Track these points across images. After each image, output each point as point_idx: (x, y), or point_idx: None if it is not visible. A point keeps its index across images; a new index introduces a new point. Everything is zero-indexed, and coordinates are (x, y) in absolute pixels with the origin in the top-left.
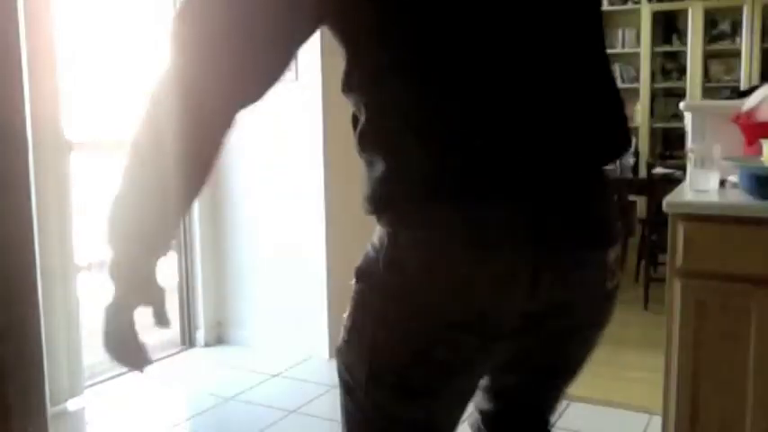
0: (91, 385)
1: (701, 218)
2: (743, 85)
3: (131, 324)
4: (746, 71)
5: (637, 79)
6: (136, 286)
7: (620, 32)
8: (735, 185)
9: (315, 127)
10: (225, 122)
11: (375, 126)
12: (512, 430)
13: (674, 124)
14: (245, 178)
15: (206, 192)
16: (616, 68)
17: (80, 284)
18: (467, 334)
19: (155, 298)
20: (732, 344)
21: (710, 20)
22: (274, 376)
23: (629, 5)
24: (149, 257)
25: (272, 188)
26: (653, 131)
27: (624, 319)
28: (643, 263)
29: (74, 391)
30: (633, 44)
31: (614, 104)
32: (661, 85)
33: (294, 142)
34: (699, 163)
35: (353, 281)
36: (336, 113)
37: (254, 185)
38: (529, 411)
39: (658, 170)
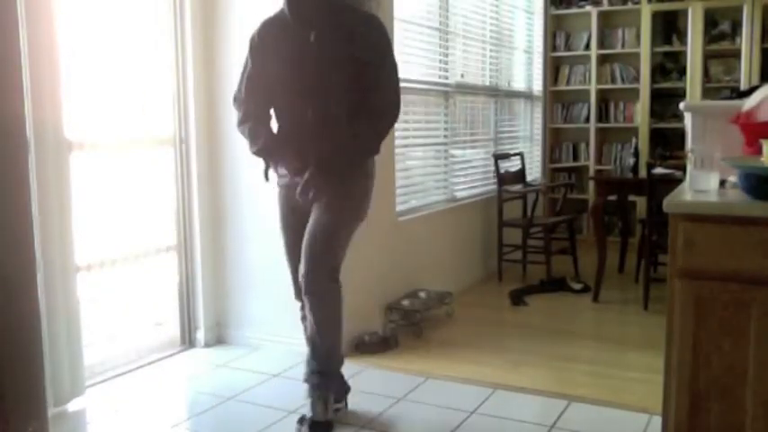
0: (92, 385)
1: (701, 218)
2: (743, 86)
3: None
4: (746, 71)
5: (637, 79)
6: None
7: (620, 32)
8: (735, 185)
9: None
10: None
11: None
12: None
13: (674, 124)
14: (246, 178)
15: (206, 192)
16: (616, 68)
17: (80, 284)
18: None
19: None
20: (732, 344)
21: (710, 20)
22: (274, 376)
23: (629, 5)
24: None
25: (271, 188)
26: (653, 131)
27: (624, 319)
28: (643, 263)
29: (75, 392)
30: (633, 44)
31: (331, 133)
32: (661, 85)
33: None
34: (699, 163)
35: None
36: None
37: (254, 185)
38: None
39: (658, 170)
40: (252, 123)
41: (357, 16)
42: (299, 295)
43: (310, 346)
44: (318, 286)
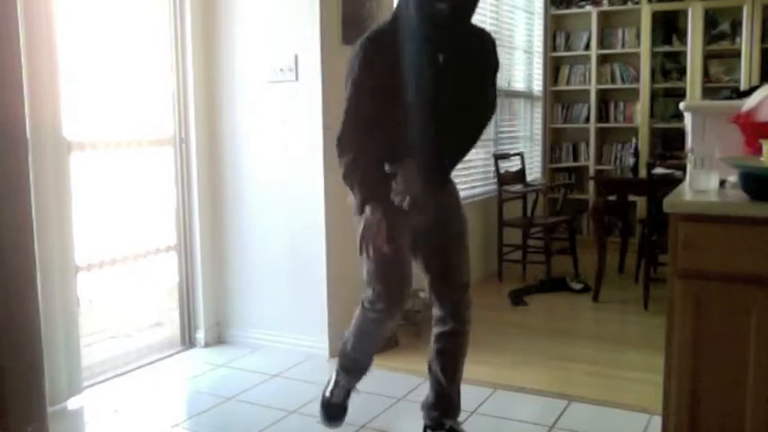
0: (91, 385)
1: (701, 218)
2: (743, 85)
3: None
4: (746, 71)
5: (637, 79)
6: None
7: (620, 32)
8: (735, 185)
9: (315, 128)
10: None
11: None
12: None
13: (674, 124)
14: (246, 178)
15: (206, 192)
16: (616, 68)
17: (80, 284)
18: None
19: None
20: (732, 344)
21: (710, 20)
22: (274, 376)
23: (629, 5)
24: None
25: (272, 188)
26: (653, 131)
27: (624, 319)
28: (643, 263)
29: (73, 391)
30: (633, 44)
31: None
32: (661, 85)
33: (294, 142)
34: (699, 163)
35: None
36: (336, 113)
37: (254, 185)
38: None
39: (658, 170)
40: (363, 167)
41: (484, 39)
42: (395, 311)
43: (441, 386)
44: (469, 319)
